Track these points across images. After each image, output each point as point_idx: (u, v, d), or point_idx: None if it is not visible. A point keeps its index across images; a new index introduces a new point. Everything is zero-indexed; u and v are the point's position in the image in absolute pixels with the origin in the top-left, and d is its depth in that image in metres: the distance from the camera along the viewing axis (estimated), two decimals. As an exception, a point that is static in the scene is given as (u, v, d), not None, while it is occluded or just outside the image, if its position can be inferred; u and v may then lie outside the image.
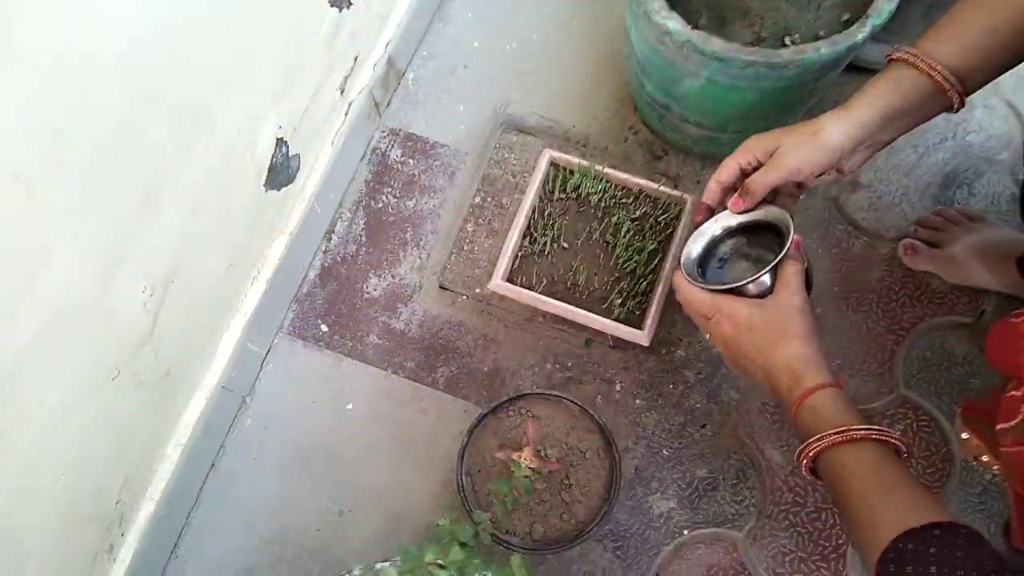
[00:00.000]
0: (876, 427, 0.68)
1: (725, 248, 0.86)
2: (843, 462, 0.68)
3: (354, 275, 1.17)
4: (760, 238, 0.85)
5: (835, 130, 0.77)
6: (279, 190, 1.03)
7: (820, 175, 0.80)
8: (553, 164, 1.07)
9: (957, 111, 0.77)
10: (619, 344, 1.09)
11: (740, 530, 1.04)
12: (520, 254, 1.03)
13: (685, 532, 1.05)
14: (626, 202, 1.05)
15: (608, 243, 1.03)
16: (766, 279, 0.79)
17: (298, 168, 1.06)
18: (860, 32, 0.89)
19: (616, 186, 1.05)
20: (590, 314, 0.97)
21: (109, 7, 0.63)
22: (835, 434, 0.69)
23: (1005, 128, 1.20)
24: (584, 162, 1.04)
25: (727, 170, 0.83)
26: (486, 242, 1.16)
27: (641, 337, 0.97)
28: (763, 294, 0.79)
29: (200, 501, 1.09)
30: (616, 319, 0.98)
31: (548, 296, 0.99)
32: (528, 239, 1.04)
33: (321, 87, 1.04)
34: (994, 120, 1.20)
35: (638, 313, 1.00)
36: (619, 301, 0.99)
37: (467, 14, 1.31)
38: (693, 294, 0.82)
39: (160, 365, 0.90)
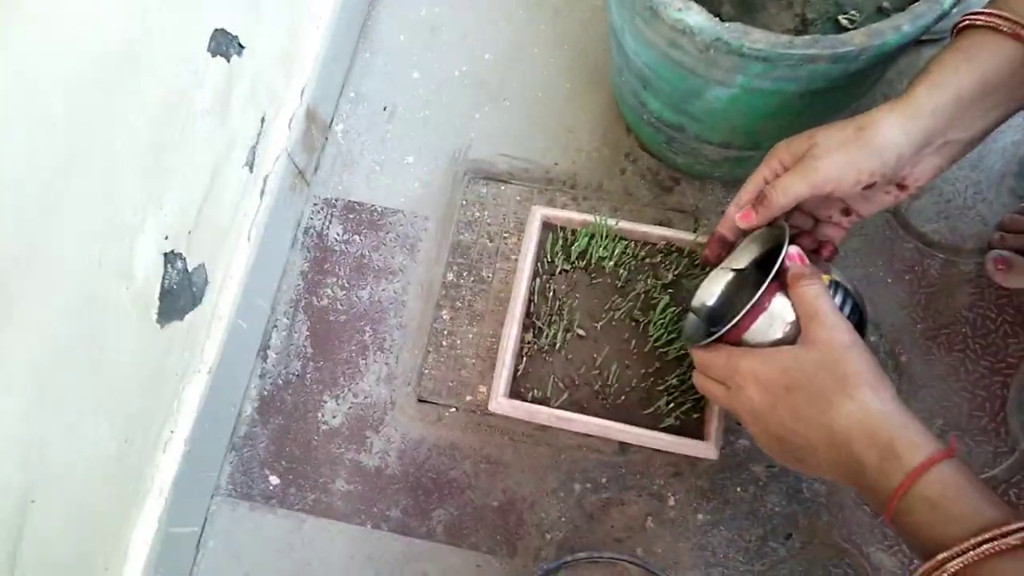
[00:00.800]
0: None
1: (744, 295, 0.61)
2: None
3: (304, 401, 0.89)
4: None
5: (889, 124, 0.54)
6: (183, 318, 0.75)
7: (870, 188, 0.56)
8: (547, 225, 0.80)
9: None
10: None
11: (861, 669, 0.79)
12: (525, 353, 0.76)
13: None
14: (653, 261, 0.79)
15: (638, 322, 0.76)
16: (786, 308, 0.55)
17: (205, 283, 0.78)
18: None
19: (637, 243, 0.79)
20: (637, 429, 0.71)
21: None
22: (983, 542, 0.44)
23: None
24: (589, 216, 0.78)
25: (750, 191, 0.60)
26: (470, 332, 0.89)
27: (708, 450, 0.71)
28: (789, 338, 0.55)
29: None
30: (670, 428, 0.72)
31: (572, 410, 0.73)
32: (531, 331, 0.77)
33: (219, 168, 0.76)
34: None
35: (696, 415, 0.73)
36: (666, 401, 0.73)
37: (399, 36, 1.03)
38: (702, 359, 0.60)
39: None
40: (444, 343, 0.89)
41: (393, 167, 0.97)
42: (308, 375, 0.90)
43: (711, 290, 0.68)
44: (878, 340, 0.88)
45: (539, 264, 0.79)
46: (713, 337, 0.59)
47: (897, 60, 0.72)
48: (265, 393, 0.89)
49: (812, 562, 0.82)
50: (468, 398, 0.87)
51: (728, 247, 0.66)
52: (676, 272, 0.78)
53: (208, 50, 0.70)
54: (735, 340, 0.58)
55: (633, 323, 0.77)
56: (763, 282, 0.56)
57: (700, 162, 0.90)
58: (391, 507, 0.85)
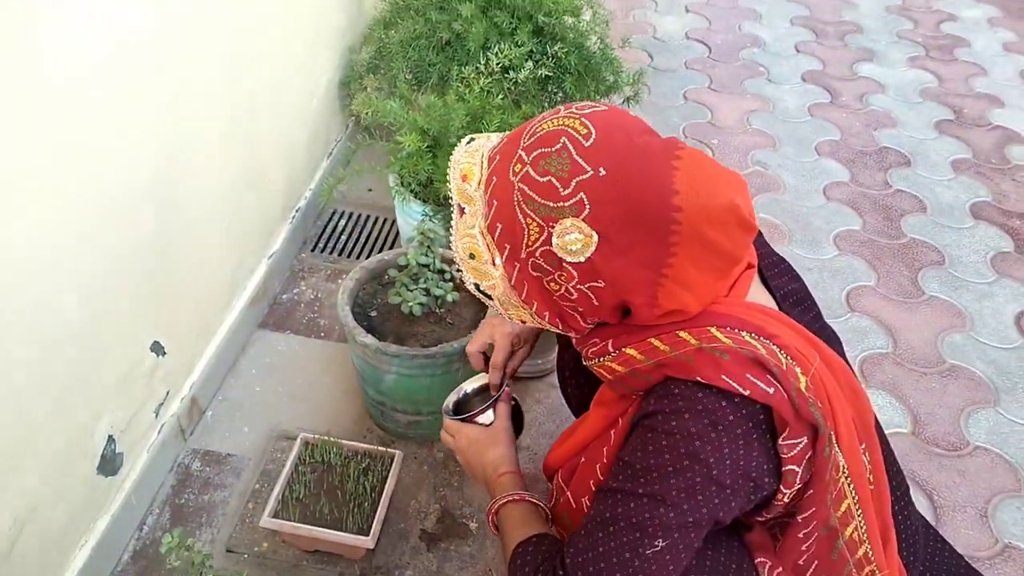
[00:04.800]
0: (528, 495, 1.13)
1: (477, 400, 1.37)
2: (508, 512, 1.11)
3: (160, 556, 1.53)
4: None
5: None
6: (107, 476, 1.45)
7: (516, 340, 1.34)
8: (305, 443, 1.58)
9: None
10: (364, 571, 1.51)
11: None
12: (284, 499, 1.49)
13: None
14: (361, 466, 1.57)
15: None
16: (490, 414, 1.27)
17: (121, 464, 1.50)
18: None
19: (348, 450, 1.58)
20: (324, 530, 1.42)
21: None
22: (504, 498, 1.13)
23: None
24: (326, 438, 1.57)
25: (474, 355, 1.37)
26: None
27: (367, 541, 1.41)
28: (488, 424, 1.28)
29: None
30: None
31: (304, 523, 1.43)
32: (288, 490, 1.50)
33: (141, 409, 1.54)
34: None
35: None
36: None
37: (251, 370, 1.89)
38: (448, 424, 1.29)
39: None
40: (247, 521, 1.58)
41: (237, 433, 1.74)
42: (164, 537, 1.55)
43: (452, 399, 1.37)
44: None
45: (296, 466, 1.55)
46: (460, 417, 1.28)
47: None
48: (139, 548, 1.54)
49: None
50: (256, 549, 1.54)
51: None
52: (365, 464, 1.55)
53: (149, 348, 1.53)
54: (465, 420, 1.28)
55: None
56: (487, 399, 1.31)
57: (398, 426, 1.72)
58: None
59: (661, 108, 2.93)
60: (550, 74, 2.07)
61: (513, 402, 1.33)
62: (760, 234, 1.14)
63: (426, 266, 1.66)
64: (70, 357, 1.30)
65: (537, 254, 0.88)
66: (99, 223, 1.31)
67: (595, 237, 0.84)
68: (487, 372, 1.37)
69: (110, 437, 1.45)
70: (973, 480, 1.75)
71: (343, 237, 2.28)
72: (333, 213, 2.35)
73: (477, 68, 2.02)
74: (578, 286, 0.88)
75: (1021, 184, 2.64)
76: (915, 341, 2.06)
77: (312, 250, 2.23)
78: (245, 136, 1.81)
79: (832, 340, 1.10)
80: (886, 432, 1.85)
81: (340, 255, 2.22)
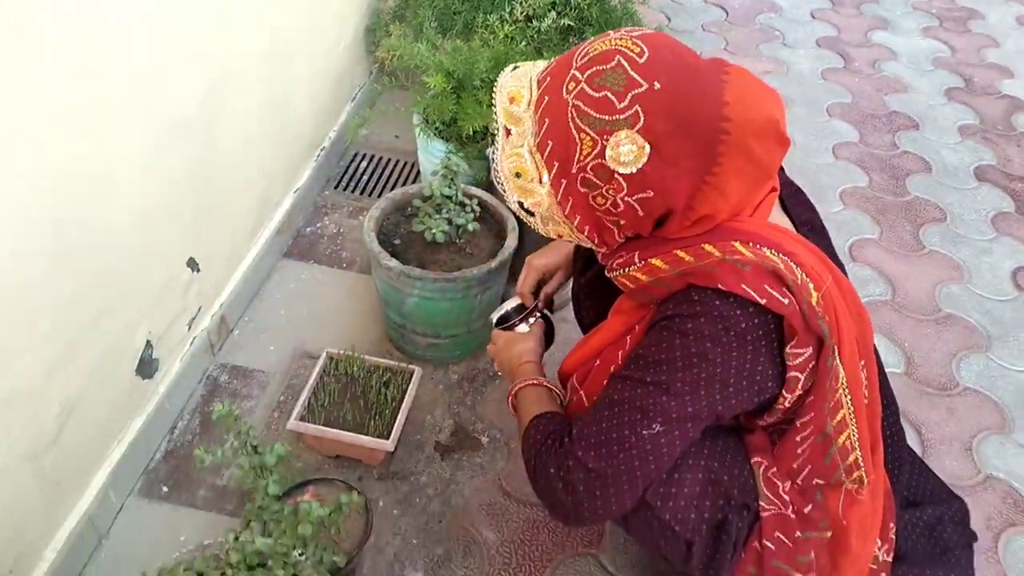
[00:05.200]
0: (547, 380, 1.23)
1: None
2: (525, 394, 1.21)
3: (191, 452, 1.64)
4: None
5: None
6: (143, 379, 1.55)
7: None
8: (330, 357, 1.68)
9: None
10: (383, 476, 1.61)
11: (468, 585, 1.49)
12: (310, 406, 1.59)
13: (430, 591, 1.48)
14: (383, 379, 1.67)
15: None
16: (525, 326, 1.36)
17: (156, 369, 1.60)
18: (493, 262, 1.65)
19: (369, 364, 1.67)
20: (352, 434, 1.51)
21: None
22: (524, 382, 1.23)
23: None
24: (350, 353, 1.67)
25: (524, 295, 1.41)
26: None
27: (387, 444, 1.51)
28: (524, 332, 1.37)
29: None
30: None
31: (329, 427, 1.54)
32: (313, 398, 1.60)
33: (176, 319, 1.64)
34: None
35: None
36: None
37: (276, 295, 1.99)
38: (493, 334, 1.37)
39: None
40: (272, 427, 1.68)
41: (263, 350, 1.84)
42: (196, 444, 1.66)
43: (496, 314, 1.46)
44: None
45: (322, 376, 1.65)
46: (502, 326, 1.37)
47: (487, 287, 1.70)
48: (170, 448, 1.64)
49: (451, 535, 1.55)
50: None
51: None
52: (385, 379, 1.65)
53: (185, 263, 1.63)
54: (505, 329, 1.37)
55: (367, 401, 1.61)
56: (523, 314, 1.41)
57: (416, 349, 1.81)
58: (228, 503, 1.56)
59: (676, 68, 2.99)
60: (572, 24, 2.14)
61: (543, 315, 1.42)
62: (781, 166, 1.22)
63: (449, 197, 1.75)
64: (121, 263, 1.40)
65: (588, 168, 0.94)
66: (154, 146, 1.43)
67: (647, 148, 0.90)
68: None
69: (148, 342, 1.55)
70: (961, 417, 1.83)
71: (364, 177, 2.37)
72: (356, 155, 2.43)
73: (501, 16, 2.10)
74: (626, 197, 0.94)
75: (1026, 150, 2.71)
76: (913, 290, 2.14)
77: (335, 188, 2.32)
78: (279, 74, 1.90)
79: (841, 269, 1.19)
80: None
81: (362, 194, 2.31)
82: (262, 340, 1.88)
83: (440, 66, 1.92)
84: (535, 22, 2.09)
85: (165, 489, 1.58)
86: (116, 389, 1.48)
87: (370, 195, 2.31)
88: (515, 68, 1.04)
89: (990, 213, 2.43)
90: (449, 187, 1.75)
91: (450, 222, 1.71)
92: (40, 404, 1.27)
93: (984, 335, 2.03)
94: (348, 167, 2.39)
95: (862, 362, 1.06)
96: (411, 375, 1.66)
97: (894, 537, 1.31)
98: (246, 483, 1.11)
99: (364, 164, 2.41)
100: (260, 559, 1.01)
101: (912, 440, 1.76)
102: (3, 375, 1.17)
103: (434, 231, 1.68)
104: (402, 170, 2.40)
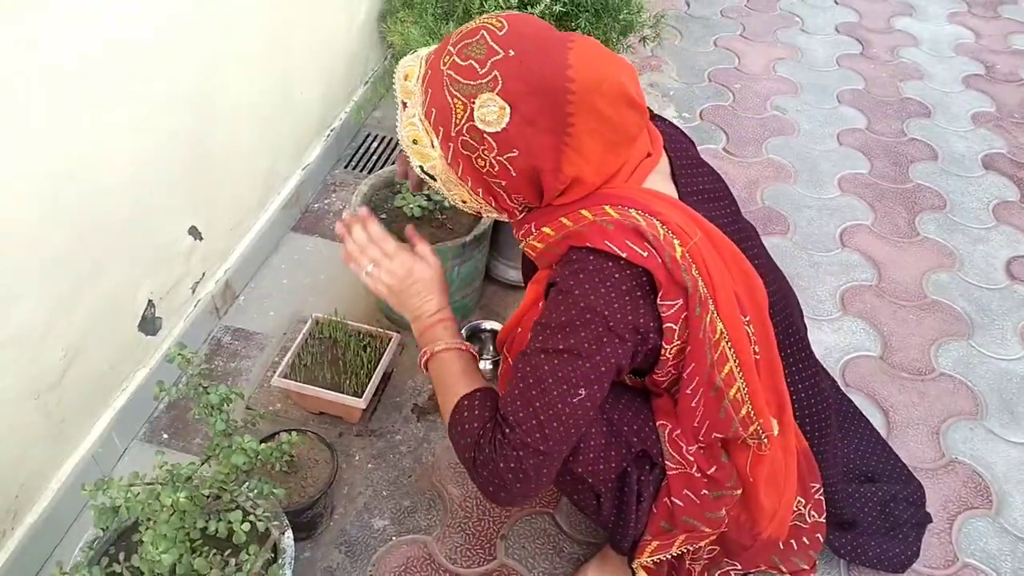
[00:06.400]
0: (466, 344, 1.24)
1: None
2: (450, 359, 1.20)
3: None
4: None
5: None
6: (146, 335, 1.71)
7: None
8: (316, 321, 1.81)
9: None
10: (361, 433, 1.73)
11: (431, 535, 1.60)
12: (294, 366, 1.72)
13: (394, 538, 1.60)
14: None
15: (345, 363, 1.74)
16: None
17: (159, 328, 1.75)
18: (468, 236, 1.75)
19: (352, 329, 1.80)
20: (329, 391, 1.64)
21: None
22: (445, 345, 1.22)
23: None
24: (335, 318, 1.79)
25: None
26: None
27: (359, 402, 1.63)
28: None
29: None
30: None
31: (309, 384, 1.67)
32: (297, 358, 1.74)
33: (179, 283, 1.79)
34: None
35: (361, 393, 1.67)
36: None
37: (281, 266, 2.13)
38: (391, 249, 1.29)
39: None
40: (265, 385, 1.83)
41: (264, 315, 1.99)
42: (195, 394, 1.82)
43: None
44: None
45: (307, 339, 1.78)
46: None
47: (469, 257, 1.80)
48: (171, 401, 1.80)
49: (419, 488, 1.67)
50: (270, 408, 1.78)
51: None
52: (365, 342, 1.77)
53: (186, 231, 1.78)
54: None
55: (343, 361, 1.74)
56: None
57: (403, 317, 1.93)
58: (219, 448, 1.71)
59: (691, 53, 3.04)
60: (566, 10, 2.21)
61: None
62: (692, 143, 1.29)
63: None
64: (116, 223, 1.54)
65: (464, 131, 1.05)
66: (145, 118, 1.56)
67: (508, 108, 1.01)
68: None
69: (150, 301, 1.70)
70: (932, 402, 1.86)
71: (375, 158, 2.49)
72: (367, 136, 2.56)
73: (498, 2, 2.19)
74: (498, 157, 1.04)
75: (1041, 138, 2.68)
76: (900, 276, 2.16)
77: (346, 167, 2.45)
78: (281, 52, 2.03)
79: (748, 230, 1.26)
80: (852, 355, 1.98)
81: (371, 174, 2.43)
82: (265, 306, 2.03)
83: (435, 50, 2.03)
84: (530, 8, 2.17)
85: (166, 436, 1.74)
86: (118, 341, 1.64)
87: (378, 174, 2.43)
88: (414, 52, 1.14)
89: (992, 202, 2.42)
90: (433, 165, 1.86)
91: (429, 198, 1.82)
92: (44, 346, 1.43)
93: (968, 322, 2.04)
94: (359, 147, 2.52)
95: (746, 318, 1.13)
96: (389, 340, 1.78)
97: (821, 499, 1.38)
98: (203, 422, 1.24)
99: (374, 145, 2.54)
100: (189, 486, 1.11)
101: (877, 422, 1.80)
102: (5, 316, 1.32)
103: (412, 205, 1.79)
104: (410, 150, 2.52)
